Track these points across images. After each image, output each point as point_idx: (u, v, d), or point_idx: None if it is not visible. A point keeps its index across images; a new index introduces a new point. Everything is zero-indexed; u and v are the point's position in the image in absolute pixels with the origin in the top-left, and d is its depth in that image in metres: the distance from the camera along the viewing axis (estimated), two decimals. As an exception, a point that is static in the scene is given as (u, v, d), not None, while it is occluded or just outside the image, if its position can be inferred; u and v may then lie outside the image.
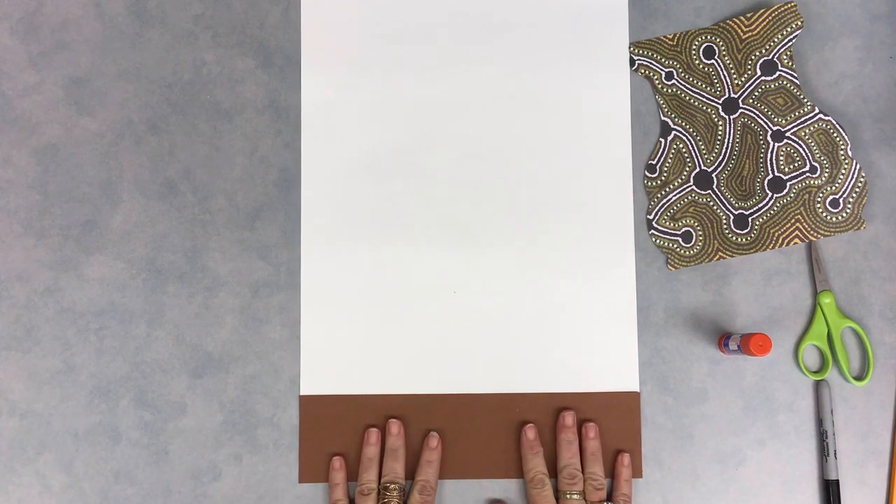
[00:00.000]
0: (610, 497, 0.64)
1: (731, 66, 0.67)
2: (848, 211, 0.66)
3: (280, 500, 0.64)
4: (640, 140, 0.68)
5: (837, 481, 0.64)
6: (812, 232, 0.66)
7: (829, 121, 0.67)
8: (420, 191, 0.67)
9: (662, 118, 0.68)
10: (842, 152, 0.67)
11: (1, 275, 0.65)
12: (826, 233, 0.66)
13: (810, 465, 0.65)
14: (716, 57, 0.68)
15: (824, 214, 0.66)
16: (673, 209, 0.67)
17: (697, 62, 0.68)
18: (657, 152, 0.67)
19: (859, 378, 0.66)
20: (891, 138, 0.68)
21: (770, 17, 0.67)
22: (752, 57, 0.67)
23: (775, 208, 0.67)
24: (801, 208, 0.67)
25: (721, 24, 0.68)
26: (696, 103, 0.68)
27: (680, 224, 0.67)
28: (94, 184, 0.66)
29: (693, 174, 0.67)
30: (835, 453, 0.64)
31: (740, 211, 0.67)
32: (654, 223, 0.67)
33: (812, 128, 0.67)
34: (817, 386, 0.66)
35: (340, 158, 0.67)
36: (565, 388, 0.66)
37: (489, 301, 0.66)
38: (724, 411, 0.66)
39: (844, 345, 0.66)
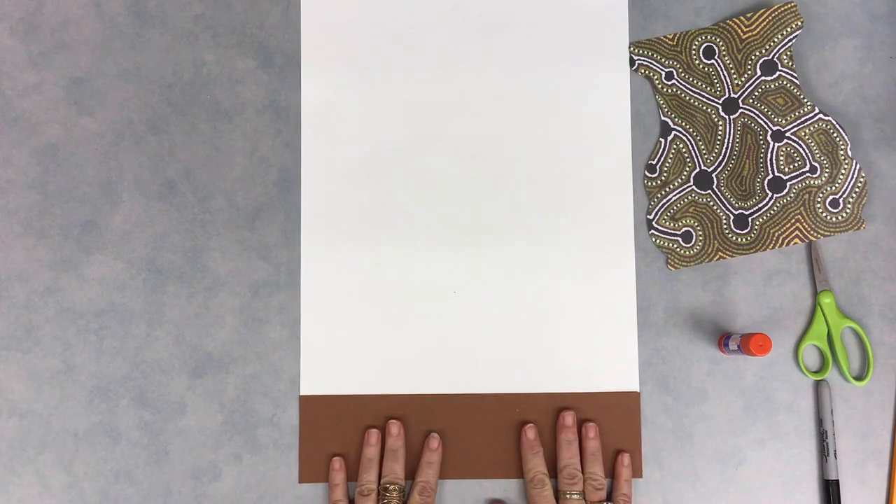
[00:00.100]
0: (610, 497, 0.64)
1: (731, 66, 0.67)
2: (848, 211, 0.66)
3: (280, 500, 0.64)
4: (640, 140, 0.68)
5: (837, 481, 0.64)
6: (812, 232, 0.66)
7: (829, 121, 0.67)
8: (420, 191, 0.67)
9: (662, 118, 0.68)
10: (842, 152, 0.67)
11: (1, 275, 0.65)
12: (826, 233, 0.66)
13: (810, 465, 0.65)
14: (716, 57, 0.68)
15: (824, 214, 0.66)
16: (673, 209, 0.67)
17: (697, 62, 0.68)
18: (657, 152, 0.67)
19: (859, 378, 0.66)
20: (891, 138, 0.68)
21: (770, 17, 0.67)
22: (752, 57, 0.67)
23: (775, 208, 0.67)
24: (801, 208, 0.67)
25: (721, 24, 0.68)
26: (696, 103, 0.68)
27: (680, 224, 0.67)
28: (94, 184, 0.66)
29: (693, 174, 0.67)
30: (835, 453, 0.64)
31: (740, 211, 0.67)
32: (654, 223, 0.67)
33: (812, 128, 0.67)
34: (817, 386, 0.66)
35: (340, 158, 0.67)
36: (565, 388, 0.66)
37: (489, 301, 0.66)
38: (724, 411, 0.66)
39: (844, 345, 0.66)
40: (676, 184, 0.67)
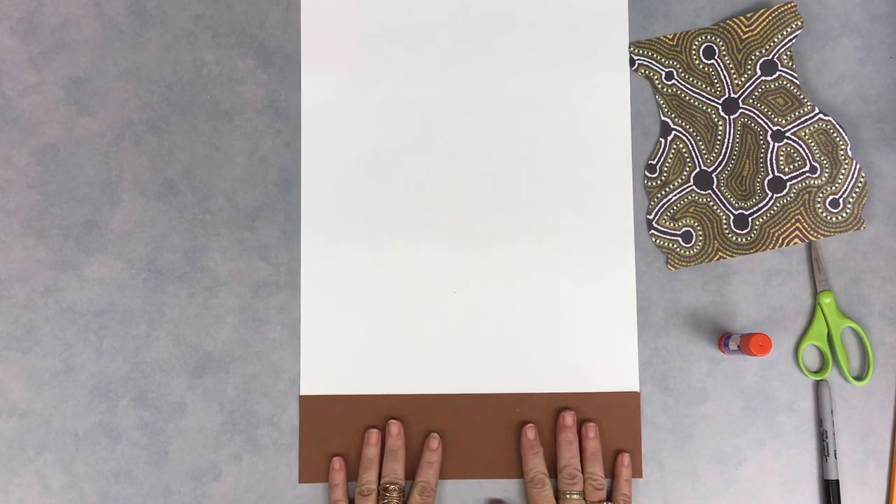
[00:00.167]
0: (610, 497, 0.64)
1: (731, 66, 0.67)
2: (848, 211, 0.66)
3: (280, 500, 0.64)
4: (640, 140, 0.68)
5: (837, 481, 0.64)
6: (812, 232, 0.66)
7: (829, 121, 0.67)
8: (420, 191, 0.67)
9: (662, 118, 0.68)
10: (842, 152, 0.67)
11: (1, 275, 0.65)
12: (826, 233, 0.66)
13: (810, 465, 0.65)
14: (716, 57, 0.68)
15: (824, 214, 0.66)
16: (673, 209, 0.67)
17: (697, 62, 0.68)
18: (657, 152, 0.67)
19: (859, 378, 0.66)
20: (891, 138, 0.68)
21: (770, 17, 0.67)
22: (752, 57, 0.67)
23: (775, 208, 0.67)
24: (801, 208, 0.67)
25: (721, 24, 0.68)
26: (696, 103, 0.68)
27: (680, 224, 0.67)
28: (94, 184, 0.66)
29: (693, 174, 0.67)
30: (835, 453, 0.64)
31: (740, 211, 0.67)
32: (654, 223, 0.67)
33: (812, 128, 0.67)
34: (817, 386, 0.66)
35: (340, 158, 0.67)
36: (565, 388, 0.66)
37: (489, 301, 0.66)
38: (724, 411, 0.66)
39: (844, 345, 0.66)
40: (676, 184, 0.67)
